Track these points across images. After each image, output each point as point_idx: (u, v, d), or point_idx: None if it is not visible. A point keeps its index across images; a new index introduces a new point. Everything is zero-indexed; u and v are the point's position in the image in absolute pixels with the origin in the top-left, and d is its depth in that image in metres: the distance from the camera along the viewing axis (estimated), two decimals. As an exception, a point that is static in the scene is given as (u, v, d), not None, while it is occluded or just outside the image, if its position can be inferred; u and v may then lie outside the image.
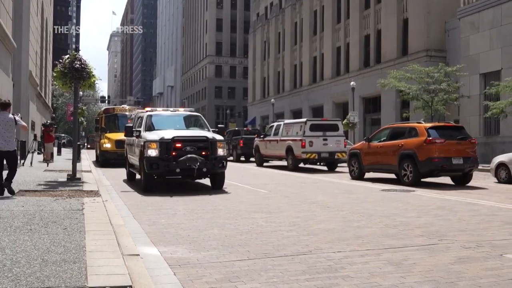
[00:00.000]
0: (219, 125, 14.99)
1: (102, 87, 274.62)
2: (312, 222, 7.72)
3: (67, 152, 34.47)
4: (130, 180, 15.17)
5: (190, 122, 14.44)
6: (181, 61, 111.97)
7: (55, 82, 14.58)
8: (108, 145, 23.02)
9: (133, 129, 13.45)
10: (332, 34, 45.65)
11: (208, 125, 14.14)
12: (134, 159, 13.84)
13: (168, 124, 13.47)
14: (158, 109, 14.99)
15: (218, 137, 12.67)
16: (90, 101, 43.06)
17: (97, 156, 26.39)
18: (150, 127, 13.21)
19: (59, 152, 32.14)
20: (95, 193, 10.39)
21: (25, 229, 6.16)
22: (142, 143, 12.16)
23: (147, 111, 14.37)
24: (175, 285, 4.41)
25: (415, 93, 26.50)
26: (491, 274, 4.80)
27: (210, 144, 12.09)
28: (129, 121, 17.20)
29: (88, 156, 30.32)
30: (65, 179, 13.64)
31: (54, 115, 53.53)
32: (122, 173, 18.52)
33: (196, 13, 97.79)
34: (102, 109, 28.47)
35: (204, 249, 5.81)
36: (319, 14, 48.54)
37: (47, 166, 19.97)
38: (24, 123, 10.62)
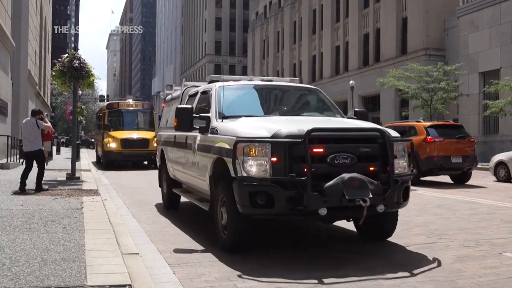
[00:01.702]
0: (357, 109, 7.40)
1: (101, 86, 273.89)
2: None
3: (66, 151, 34.45)
4: (170, 207, 8.94)
5: (303, 102, 7.67)
6: (180, 60, 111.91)
7: (54, 81, 14.59)
8: (112, 145, 20.87)
9: (194, 116, 6.48)
10: (331, 33, 45.62)
11: (338, 108, 7.55)
12: (188, 175, 7.48)
13: (262, 106, 7.17)
14: (232, 78, 8.01)
15: (393, 132, 5.82)
16: (89, 100, 42.92)
17: (98, 157, 24.95)
18: (229, 112, 6.49)
19: (58, 151, 32.12)
20: (94, 192, 10.39)
21: (24, 228, 6.16)
22: (226, 146, 5.54)
23: (212, 82, 7.54)
24: (174, 284, 4.40)
25: (414, 92, 26.51)
26: (490, 272, 4.81)
27: (388, 148, 5.34)
28: (162, 105, 10.37)
29: (87, 156, 30.28)
30: (64, 178, 13.65)
31: (53, 114, 53.51)
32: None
33: (195, 12, 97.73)
34: (105, 104, 25.66)
35: (204, 248, 5.81)
36: (318, 13, 48.50)
37: (46, 165, 19.93)
38: (45, 124, 11.51)
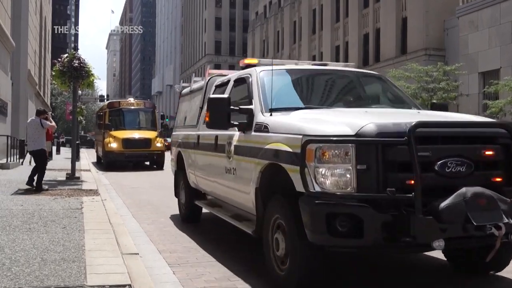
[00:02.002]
0: (435, 101, 5.49)
1: (101, 86, 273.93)
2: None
3: (66, 151, 34.44)
4: (189, 221, 7.51)
5: (369, 91, 5.98)
6: (180, 60, 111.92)
7: (54, 81, 14.60)
8: (113, 145, 20.15)
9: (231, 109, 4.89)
10: (331, 33, 45.63)
11: (412, 99, 6.27)
12: (218, 185, 5.96)
13: (321, 95, 5.83)
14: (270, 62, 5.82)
15: None
16: (89, 100, 42.92)
17: (98, 157, 24.28)
18: (279, 104, 4.92)
19: (58, 151, 32.11)
20: (94, 192, 10.39)
21: (24, 228, 6.16)
22: (285, 148, 4.03)
23: (248, 67, 5.95)
24: (174, 284, 4.41)
25: (414, 92, 26.48)
26: (490, 272, 4.79)
27: None
28: (180, 96, 8.99)
29: (87, 155, 30.27)
30: (64, 178, 13.63)
31: (53, 114, 53.54)
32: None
33: (195, 12, 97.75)
34: (106, 103, 24.54)
35: (203, 248, 5.81)
36: (318, 13, 48.52)
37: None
38: (50, 123, 11.60)
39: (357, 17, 41.37)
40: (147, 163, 22.21)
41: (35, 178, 10.70)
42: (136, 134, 21.03)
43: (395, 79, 26.94)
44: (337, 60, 44.64)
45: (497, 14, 26.37)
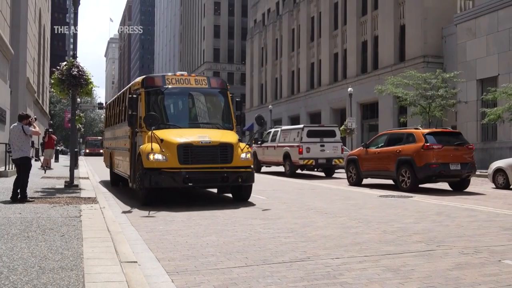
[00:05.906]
0: None
1: (100, 94, 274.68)
2: (310, 229, 7.72)
3: (64, 159, 34.40)
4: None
5: None
6: (178, 68, 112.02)
7: (52, 89, 14.55)
8: (159, 157, 10.44)
9: None
10: (329, 40, 45.77)
11: None
12: None
13: None
14: None
15: None
16: (88, 108, 43.00)
17: (114, 175, 15.64)
18: None
19: (56, 159, 32.08)
20: (92, 200, 10.37)
21: (22, 236, 6.15)
22: None
23: None
24: (173, 292, 4.38)
25: (413, 99, 26.56)
26: (490, 280, 4.79)
27: None
28: None
29: (85, 163, 30.23)
30: (62, 186, 13.62)
31: (51, 122, 53.59)
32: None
33: (193, 19, 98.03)
34: (139, 79, 12.59)
35: (202, 255, 5.79)
36: (316, 21, 48.70)
37: (45, 173, 19.93)
38: (33, 129, 10.60)
39: (355, 24, 41.53)
40: (215, 190, 13.08)
41: (24, 188, 10.08)
42: (204, 137, 10.95)
43: (394, 86, 27.05)
44: (335, 68, 44.83)
45: (495, 22, 26.50)
